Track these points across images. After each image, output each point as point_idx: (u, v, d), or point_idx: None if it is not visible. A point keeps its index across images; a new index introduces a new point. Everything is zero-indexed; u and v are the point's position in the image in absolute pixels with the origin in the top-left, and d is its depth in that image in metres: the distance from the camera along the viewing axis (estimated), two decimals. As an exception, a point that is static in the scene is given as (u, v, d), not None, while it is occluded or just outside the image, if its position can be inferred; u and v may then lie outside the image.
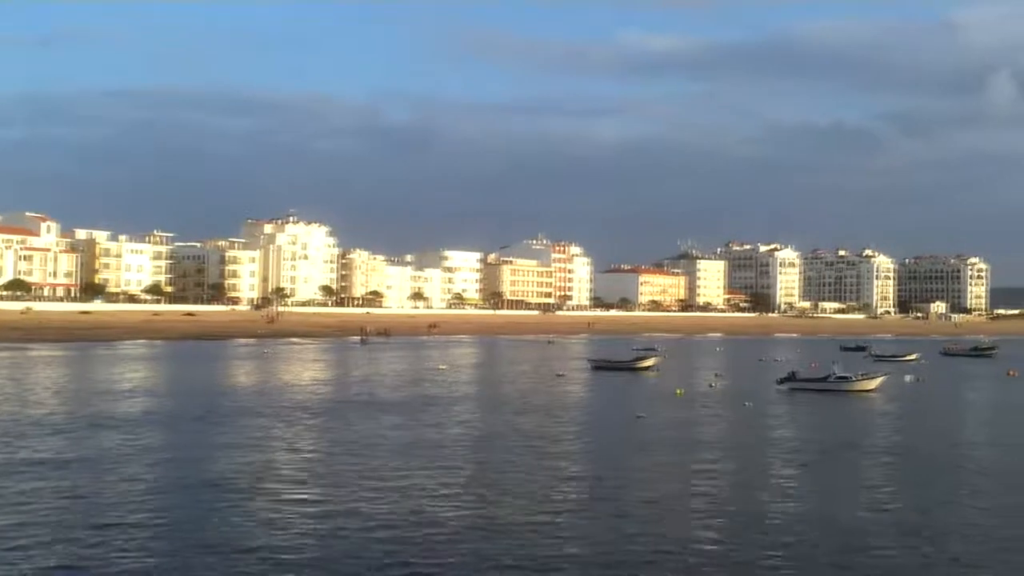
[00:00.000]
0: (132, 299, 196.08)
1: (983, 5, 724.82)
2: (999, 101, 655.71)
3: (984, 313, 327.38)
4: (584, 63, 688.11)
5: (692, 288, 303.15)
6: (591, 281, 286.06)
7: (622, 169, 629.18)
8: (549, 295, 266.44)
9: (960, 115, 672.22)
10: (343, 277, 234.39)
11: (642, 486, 31.54)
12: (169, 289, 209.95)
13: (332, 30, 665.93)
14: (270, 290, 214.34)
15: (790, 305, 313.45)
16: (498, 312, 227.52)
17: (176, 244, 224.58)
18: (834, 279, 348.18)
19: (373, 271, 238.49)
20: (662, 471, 34.80)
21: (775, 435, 45.54)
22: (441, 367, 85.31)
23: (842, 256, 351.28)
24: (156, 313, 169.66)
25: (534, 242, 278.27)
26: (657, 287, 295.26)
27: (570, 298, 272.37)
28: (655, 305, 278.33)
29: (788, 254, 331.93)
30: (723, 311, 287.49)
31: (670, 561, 22.47)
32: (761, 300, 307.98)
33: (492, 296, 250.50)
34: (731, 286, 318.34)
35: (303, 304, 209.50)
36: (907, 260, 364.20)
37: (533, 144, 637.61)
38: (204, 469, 32.91)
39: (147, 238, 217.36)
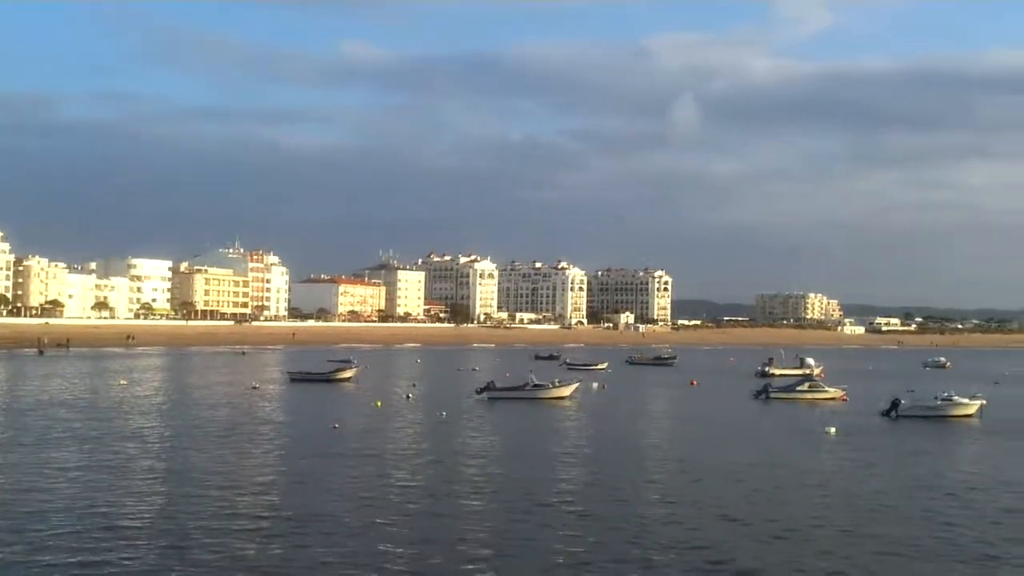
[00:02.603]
0: None
1: (672, 32, 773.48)
2: (684, 124, 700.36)
3: (668, 323, 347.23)
4: (279, 68, 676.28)
5: (392, 299, 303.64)
6: (288, 291, 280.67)
7: (319, 177, 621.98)
8: (245, 305, 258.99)
9: (649, 136, 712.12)
10: (18, 285, 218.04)
11: (328, 498, 30.42)
12: None
13: (9, 22, 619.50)
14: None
15: (488, 316, 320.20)
16: (190, 323, 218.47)
17: None
18: (530, 290, 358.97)
19: (53, 279, 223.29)
20: (350, 482, 33.68)
21: (466, 443, 45.49)
22: (122, 382, 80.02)
23: (538, 268, 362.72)
24: None
25: (229, 251, 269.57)
26: (356, 297, 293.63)
27: (267, 308, 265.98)
28: (354, 315, 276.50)
29: (486, 265, 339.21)
30: (422, 322, 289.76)
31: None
32: (460, 311, 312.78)
33: (184, 306, 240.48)
34: (431, 297, 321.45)
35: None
36: (599, 272, 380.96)
37: (228, 149, 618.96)
38: None
39: None
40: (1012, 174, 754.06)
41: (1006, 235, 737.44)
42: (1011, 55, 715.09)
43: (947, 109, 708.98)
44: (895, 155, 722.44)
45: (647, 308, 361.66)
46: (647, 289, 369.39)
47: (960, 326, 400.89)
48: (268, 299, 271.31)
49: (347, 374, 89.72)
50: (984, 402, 64.03)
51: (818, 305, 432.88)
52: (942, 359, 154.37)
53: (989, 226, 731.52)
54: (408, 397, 70.03)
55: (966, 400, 64.07)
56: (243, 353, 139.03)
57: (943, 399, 64.08)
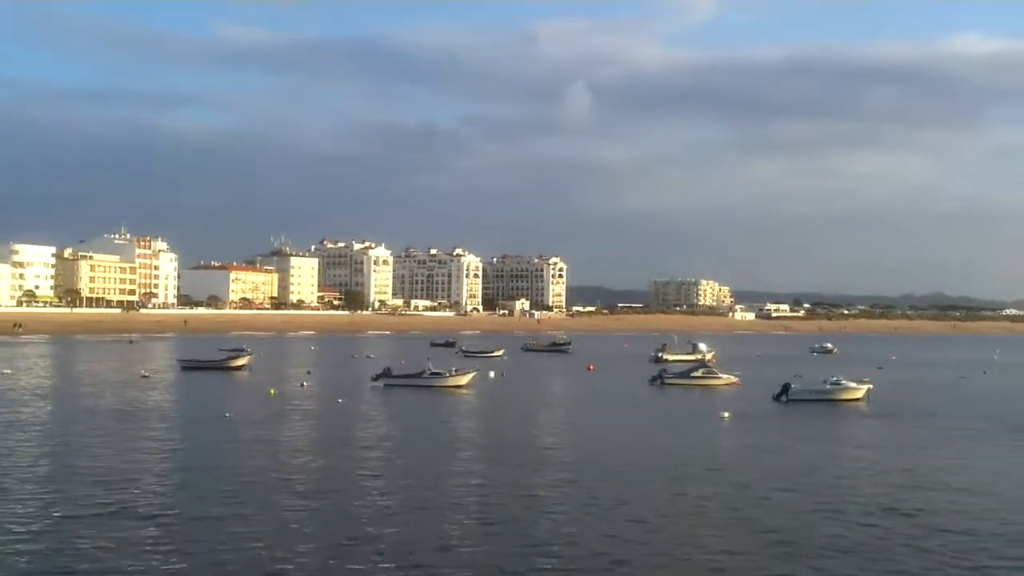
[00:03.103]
0: None
1: (561, 19, 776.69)
2: (577, 111, 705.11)
3: (563, 310, 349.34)
4: (164, 51, 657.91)
5: (285, 286, 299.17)
6: (178, 278, 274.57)
7: (209, 162, 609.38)
8: (133, 292, 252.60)
9: (543, 122, 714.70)
10: None
11: (216, 489, 29.63)
12: None
13: None
14: None
15: (383, 303, 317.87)
16: (75, 310, 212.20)
17: None
18: (426, 277, 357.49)
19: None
20: (240, 472, 32.87)
21: (362, 432, 44.98)
22: (6, 371, 77.13)
23: (434, 255, 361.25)
24: None
25: (116, 236, 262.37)
26: (249, 284, 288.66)
27: (155, 295, 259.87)
28: (246, 303, 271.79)
29: (381, 252, 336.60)
30: (317, 309, 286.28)
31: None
32: (355, 298, 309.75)
33: (69, 293, 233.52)
34: (325, 284, 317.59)
35: None
36: (494, 259, 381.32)
37: (112, 133, 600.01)
38: None
39: None
40: (897, 163, 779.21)
41: (891, 223, 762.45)
42: (895, 46, 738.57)
43: (833, 99, 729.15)
44: (783, 143, 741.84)
45: (543, 295, 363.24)
46: (542, 276, 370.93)
47: (847, 312, 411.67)
48: (156, 286, 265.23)
49: (240, 362, 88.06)
50: (871, 386, 65.70)
51: (710, 291, 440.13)
52: (829, 345, 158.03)
53: (875, 214, 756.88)
54: (303, 385, 69.03)
55: (854, 384, 65.66)
56: (131, 342, 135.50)
57: (832, 383, 65.63)
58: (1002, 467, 38.12)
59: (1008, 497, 31.73)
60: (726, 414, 53.96)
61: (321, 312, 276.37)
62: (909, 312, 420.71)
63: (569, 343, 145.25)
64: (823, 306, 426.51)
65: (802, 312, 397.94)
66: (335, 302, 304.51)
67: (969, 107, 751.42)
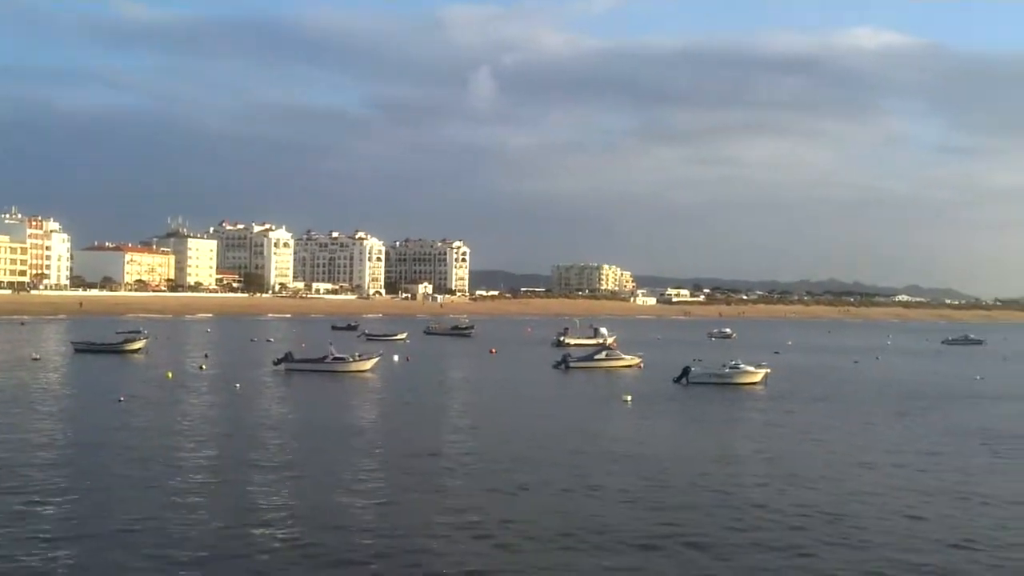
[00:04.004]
0: None
1: (469, 6, 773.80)
2: (481, 96, 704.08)
3: (466, 294, 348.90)
4: (58, 27, 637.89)
5: (182, 268, 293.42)
6: (71, 259, 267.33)
7: (104, 141, 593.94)
8: (23, 273, 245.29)
9: (448, 107, 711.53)
10: None
11: (106, 474, 28.86)
12: None
13: None
14: None
15: (283, 286, 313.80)
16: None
17: None
18: (327, 260, 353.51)
19: None
20: (133, 457, 32.01)
21: (261, 417, 44.26)
22: None
23: (335, 238, 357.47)
24: None
25: (6, 216, 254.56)
26: (144, 266, 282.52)
27: (47, 276, 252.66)
28: (142, 285, 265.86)
29: (282, 234, 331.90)
30: (215, 291, 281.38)
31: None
32: (254, 280, 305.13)
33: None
34: (223, 266, 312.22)
35: None
36: (397, 243, 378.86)
37: (3, 110, 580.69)
38: None
39: None
40: (794, 152, 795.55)
41: (786, 210, 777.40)
42: (793, 37, 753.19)
43: (732, 87, 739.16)
44: (683, 131, 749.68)
45: (445, 279, 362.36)
46: (445, 260, 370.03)
47: (745, 297, 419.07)
48: (48, 267, 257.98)
49: (136, 345, 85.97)
50: (769, 370, 66.89)
51: (612, 276, 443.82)
52: (728, 329, 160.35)
53: (773, 201, 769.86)
54: (201, 368, 67.75)
55: (752, 368, 66.78)
56: (23, 323, 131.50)
57: (731, 367, 66.67)
58: (896, 447, 38.97)
59: (898, 476, 32.44)
60: (628, 397, 54.37)
61: (220, 295, 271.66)
62: (805, 298, 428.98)
63: (472, 327, 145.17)
64: (722, 291, 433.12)
65: (702, 297, 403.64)
66: (234, 285, 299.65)
67: (865, 98, 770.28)
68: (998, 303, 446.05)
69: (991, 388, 68.79)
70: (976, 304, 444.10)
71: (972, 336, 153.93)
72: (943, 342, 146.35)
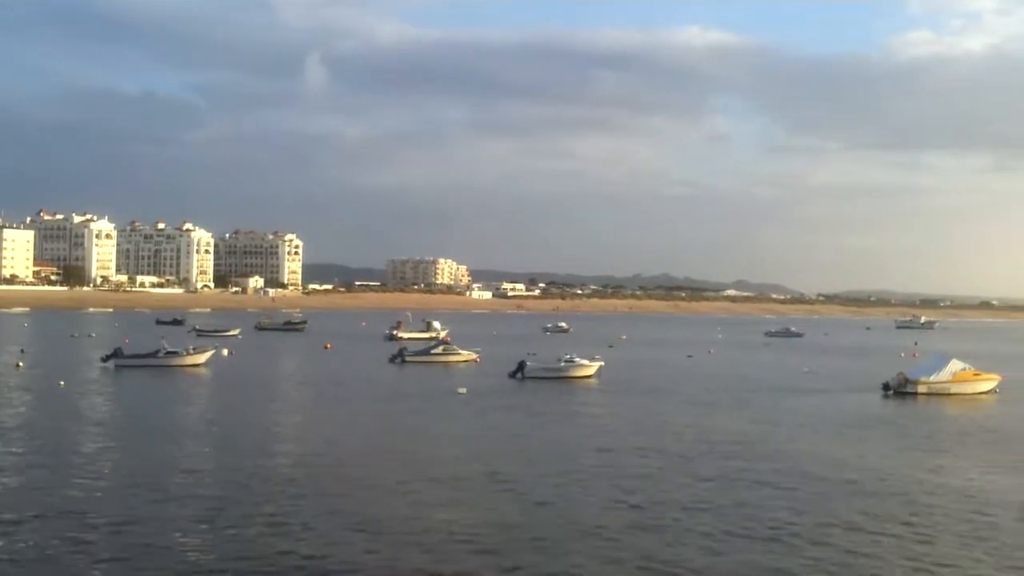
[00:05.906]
0: None
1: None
2: (312, 84, 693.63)
3: (299, 288, 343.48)
4: None
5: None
6: None
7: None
8: None
9: (279, 94, 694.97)
10: None
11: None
12: None
13: None
14: None
15: (106, 279, 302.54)
16: None
17: None
18: (153, 252, 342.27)
19: None
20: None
21: (86, 416, 42.68)
22: None
23: (161, 229, 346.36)
24: None
25: None
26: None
27: None
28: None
29: (104, 225, 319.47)
30: (32, 284, 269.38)
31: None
32: (74, 273, 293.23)
33: None
34: (41, 258, 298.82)
35: None
36: (227, 235, 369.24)
37: None
38: None
39: None
40: (626, 147, 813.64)
41: (621, 206, 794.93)
42: (623, 34, 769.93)
43: (563, 82, 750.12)
44: (516, 124, 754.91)
45: (278, 272, 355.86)
46: (277, 253, 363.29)
47: (580, 291, 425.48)
48: None
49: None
50: (602, 364, 68.15)
51: (448, 270, 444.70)
52: (563, 324, 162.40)
53: (606, 196, 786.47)
54: (19, 365, 64.65)
55: (586, 362, 67.90)
56: None
57: (566, 361, 67.64)
58: (740, 438, 40.14)
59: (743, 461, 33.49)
60: (463, 390, 54.60)
61: (37, 288, 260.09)
62: (638, 292, 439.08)
63: (305, 322, 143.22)
64: (557, 286, 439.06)
65: (537, 292, 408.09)
66: (52, 278, 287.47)
67: (695, 96, 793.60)
68: (820, 298, 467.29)
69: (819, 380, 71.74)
70: (800, 299, 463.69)
71: (793, 329, 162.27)
72: (766, 334, 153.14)
